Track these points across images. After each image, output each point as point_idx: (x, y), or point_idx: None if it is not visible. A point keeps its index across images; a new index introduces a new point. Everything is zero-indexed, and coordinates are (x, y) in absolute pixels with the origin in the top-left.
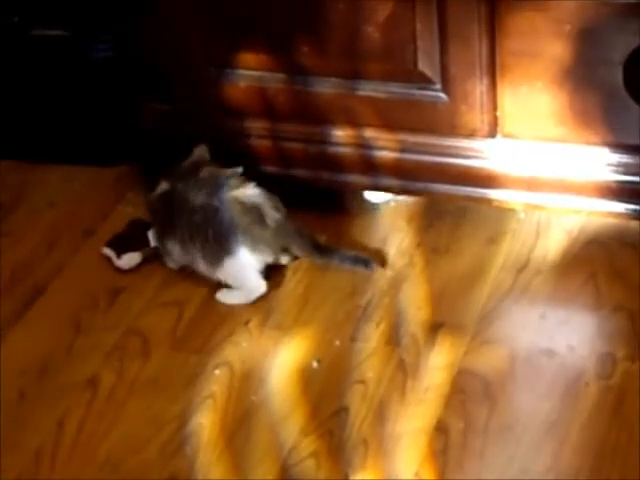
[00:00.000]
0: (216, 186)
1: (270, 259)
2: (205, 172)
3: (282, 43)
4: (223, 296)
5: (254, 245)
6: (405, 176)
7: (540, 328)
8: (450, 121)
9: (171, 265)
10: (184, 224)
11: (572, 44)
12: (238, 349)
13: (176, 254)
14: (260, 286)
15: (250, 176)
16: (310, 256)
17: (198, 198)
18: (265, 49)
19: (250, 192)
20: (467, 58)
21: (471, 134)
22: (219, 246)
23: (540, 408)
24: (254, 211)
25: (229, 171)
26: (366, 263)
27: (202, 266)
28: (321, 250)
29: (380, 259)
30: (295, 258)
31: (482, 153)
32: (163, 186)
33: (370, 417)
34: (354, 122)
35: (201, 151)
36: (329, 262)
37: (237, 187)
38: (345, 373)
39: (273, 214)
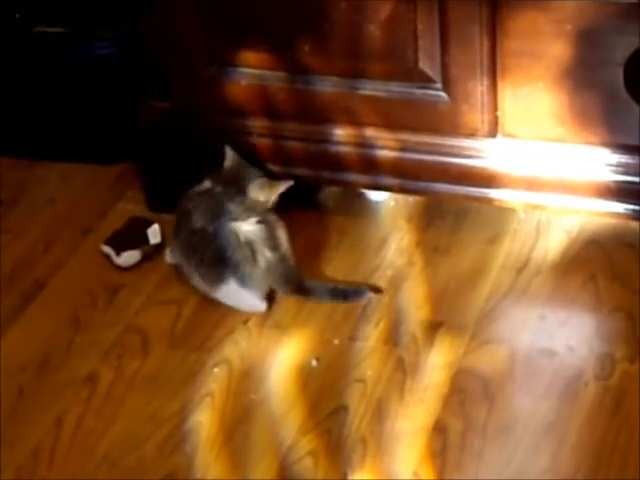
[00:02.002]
0: (219, 213)
1: (259, 295)
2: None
3: (283, 42)
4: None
5: (243, 281)
6: (405, 175)
7: (539, 328)
8: (451, 121)
9: (168, 260)
10: (184, 240)
11: (573, 45)
12: (237, 347)
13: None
14: (258, 306)
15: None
16: (293, 296)
17: (199, 221)
18: (266, 47)
19: (247, 227)
20: (468, 58)
21: (472, 134)
22: (213, 272)
23: (539, 408)
24: (248, 247)
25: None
26: (358, 293)
27: (199, 283)
28: (306, 292)
29: (373, 286)
30: None
31: (483, 153)
32: (205, 185)
33: (369, 416)
34: (355, 121)
35: (232, 154)
36: (315, 300)
37: (237, 219)
38: (344, 372)
39: (266, 254)
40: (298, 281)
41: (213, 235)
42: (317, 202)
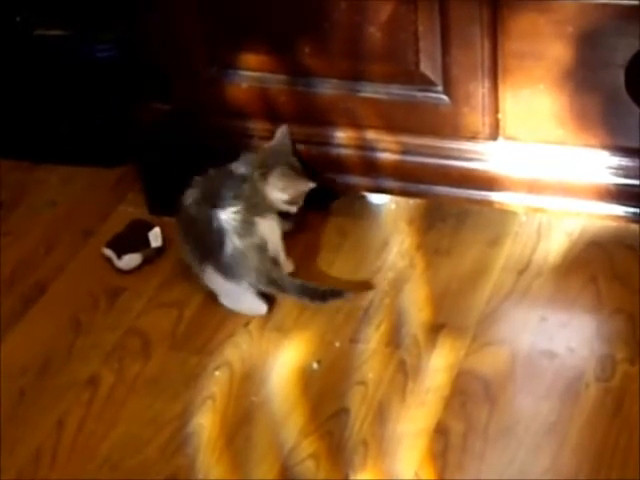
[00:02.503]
0: (206, 196)
1: (238, 285)
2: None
3: (283, 44)
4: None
5: (217, 267)
6: (407, 178)
7: (540, 330)
8: (452, 123)
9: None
10: (179, 212)
11: (574, 46)
12: (238, 350)
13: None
14: (255, 308)
15: None
16: (267, 291)
17: (189, 198)
18: (266, 50)
19: (223, 215)
20: (469, 60)
21: (473, 136)
22: (196, 253)
23: (540, 409)
24: (219, 234)
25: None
26: (336, 295)
27: (191, 262)
28: (279, 288)
29: (367, 284)
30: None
31: (484, 155)
32: (232, 165)
33: (370, 418)
34: (356, 124)
35: (283, 134)
36: (291, 297)
37: (217, 206)
38: (345, 374)
39: (235, 241)
40: (270, 274)
41: (194, 218)
42: (319, 205)
